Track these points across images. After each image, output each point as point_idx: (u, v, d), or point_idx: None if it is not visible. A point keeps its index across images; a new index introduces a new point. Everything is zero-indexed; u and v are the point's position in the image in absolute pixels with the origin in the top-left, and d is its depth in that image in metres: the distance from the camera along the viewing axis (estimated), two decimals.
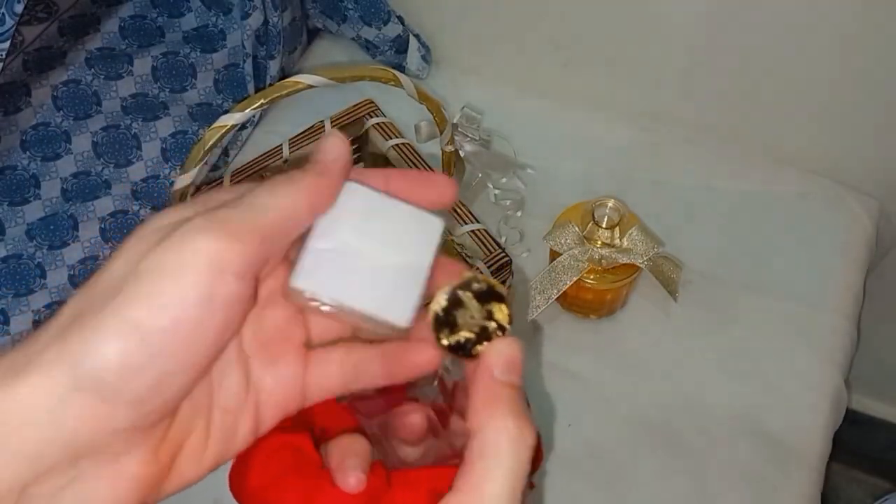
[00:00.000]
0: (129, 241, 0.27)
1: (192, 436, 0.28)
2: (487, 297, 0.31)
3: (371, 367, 0.32)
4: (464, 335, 0.31)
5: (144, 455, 0.26)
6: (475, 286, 0.31)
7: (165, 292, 0.24)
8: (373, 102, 0.70)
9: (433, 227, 0.32)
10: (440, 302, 0.31)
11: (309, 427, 0.35)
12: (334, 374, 0.32)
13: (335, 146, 0.30)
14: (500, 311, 0.31)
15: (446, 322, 0.31)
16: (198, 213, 0.27)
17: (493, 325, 0.31)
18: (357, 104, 0.70)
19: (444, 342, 0.31)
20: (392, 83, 0.56)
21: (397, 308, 0.31)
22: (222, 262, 0.25)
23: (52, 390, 0.24)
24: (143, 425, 0.26)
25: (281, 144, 0.67)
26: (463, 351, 0.31)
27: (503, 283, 0.65)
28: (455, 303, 0.31)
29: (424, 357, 0.31)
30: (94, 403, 0.24)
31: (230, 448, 0.30)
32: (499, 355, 0.30)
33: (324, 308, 0.30)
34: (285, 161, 0.67)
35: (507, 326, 0.31)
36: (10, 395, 0.24)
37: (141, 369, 0.24)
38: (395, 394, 0.36)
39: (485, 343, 0.31)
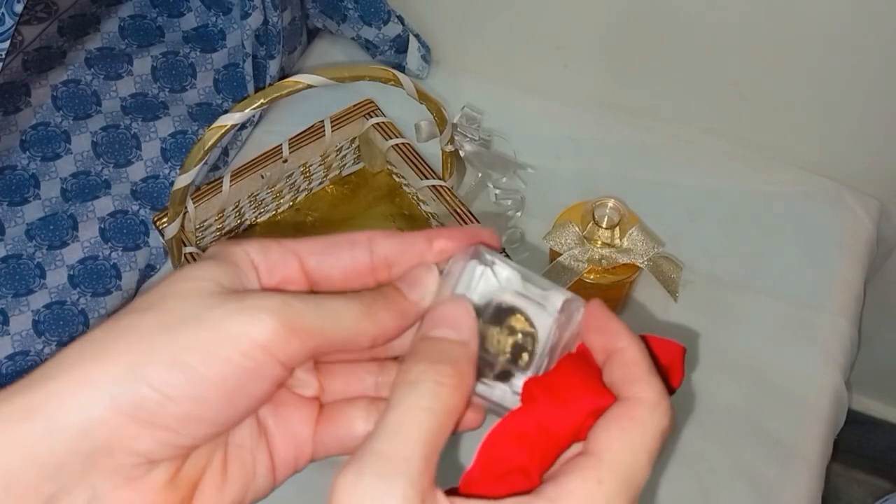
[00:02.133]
0: (196, 271, 0.28)
1: (210, 469, 0.29)
2: (498, 316, 0.30)
3: None
4: (500, 362, 0.29)
5: (161, 482, 0.27)
6: (486, 312, 0.30)
7: (221, 351, 0.26)
8: (373, 102, 0.70)
9: (552, 302, 0.30)
10: None
11: None
12: (358, 428, 0.32)
13: (427, 286, 0.30)
14: (518, 321, 0.30)
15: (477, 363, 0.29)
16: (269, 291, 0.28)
17: (518, 336, 0.29)
18: (357, 104, 0.70)
19: (488, 383, 0.29)
20: (392, 83, 0.56)
21: (508, 387, 0.30)
22: (276, 349, 0.27)
23: (89, 403, 0.25)
24: (161, 457, 0.27)
25: (281, 144, 0.67)
26: (509, 376, 0.29)
27: None
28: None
29: (469, 417, 0.31)
30: (126, 423, 0.25)
31: (251, 487, 0.30)
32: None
33: None
34: (285, 161, 0.67)
35: (534, 330, 0.30)
36: (43, 402, 0.25)
37: (178, 404, 0.26)
38: None
39: (524, 355, 0.29)
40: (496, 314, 0.30)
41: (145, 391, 0.25)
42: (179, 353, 0.26)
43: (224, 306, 0.26)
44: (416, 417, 0.25)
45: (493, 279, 0.30)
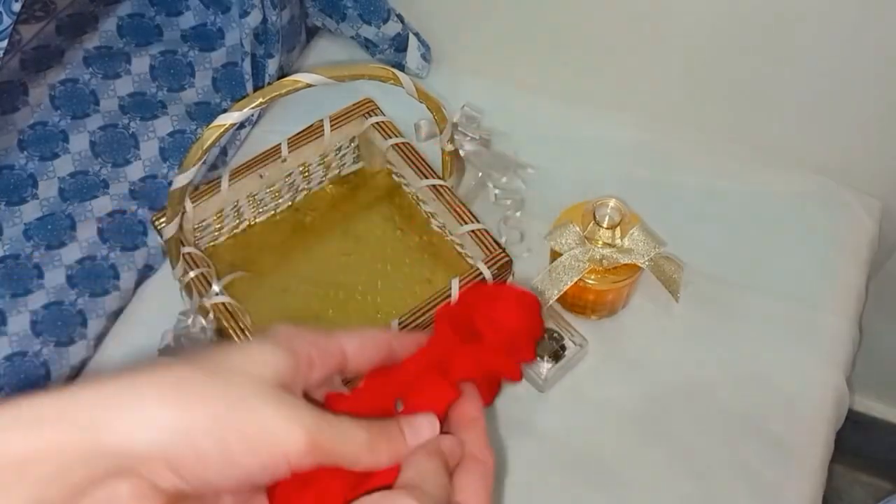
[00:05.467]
0: (262, 356, 0.33)
1: None
2: None
3: None
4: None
5: None
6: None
7: (259, 449, 0.31)
8: (372, 101, 0.70)
9: None
10: None
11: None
12: None
13: (424, 436, 0.36)
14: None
15: None
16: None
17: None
18: (356, 103, 0.70)
19: None
20: (392, 82, 0.55)
21: None
22: (297, 460, 0.32)
23: (144, 426, 0.29)
24: (154, 499, 0.30)
25: (280, 144, 0.67)
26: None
27: (503, 283, 0.64)
28: None
29: None
30: (156, 458, 0.29)
31: None
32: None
33: None
34: (284, 160, 0.67)
35: None
36: (19, 439, 0.28)
37: (205, 468, 0.30)
38: None
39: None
40: None
41: (186, 449, 0.29)
42: (229, 434, 0.30)
43: (273, 405, 0.31)
44: None
45: None
